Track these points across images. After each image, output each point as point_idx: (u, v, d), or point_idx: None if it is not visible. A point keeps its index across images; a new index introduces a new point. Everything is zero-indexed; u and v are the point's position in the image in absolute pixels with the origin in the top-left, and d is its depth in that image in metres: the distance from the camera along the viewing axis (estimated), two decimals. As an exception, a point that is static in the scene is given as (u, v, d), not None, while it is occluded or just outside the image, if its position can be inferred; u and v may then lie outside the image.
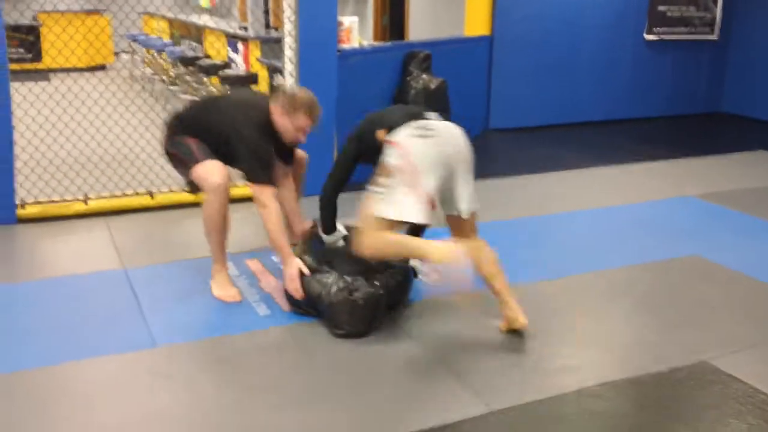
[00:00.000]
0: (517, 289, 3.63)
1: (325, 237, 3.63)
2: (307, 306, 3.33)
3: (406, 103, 5.94)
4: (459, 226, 3.18)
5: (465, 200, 3.11)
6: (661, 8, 8.43)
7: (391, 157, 3.00)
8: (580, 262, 4.12)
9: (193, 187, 3.72)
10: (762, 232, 4.67)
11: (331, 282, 3.23)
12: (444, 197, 3.09)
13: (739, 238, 4.56)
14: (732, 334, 3.30)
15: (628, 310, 3.56)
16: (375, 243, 2.96)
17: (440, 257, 2.80)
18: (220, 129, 3.55)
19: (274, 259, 4.02)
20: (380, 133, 3.14)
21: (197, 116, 3.73)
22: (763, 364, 3.03)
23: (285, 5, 5.07)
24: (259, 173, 3.46)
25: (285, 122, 3.54)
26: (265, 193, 3.42)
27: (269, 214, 3.39)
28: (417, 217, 2.93)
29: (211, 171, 3.48)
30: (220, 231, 3.55)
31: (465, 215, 3.13)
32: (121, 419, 2.59)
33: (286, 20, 5.10)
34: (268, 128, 3.56)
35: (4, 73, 4.38)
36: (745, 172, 6.26)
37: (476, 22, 7.62)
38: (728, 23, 8.77)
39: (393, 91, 6.08)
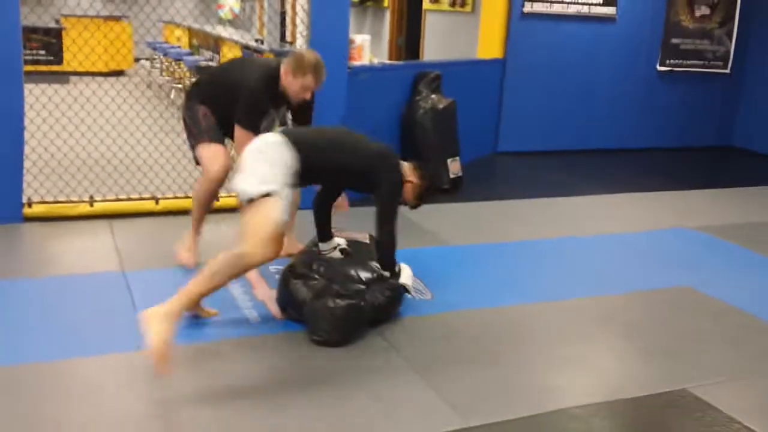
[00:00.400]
0: (506, 311, 3.69)
1: (321, 246, 3.73)
2: (294, 310, 3.40)
3: (415, 123, 6.02)
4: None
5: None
6: (675, 41, 8.49)
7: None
8: (570, 287, 4.15)
9: (198, 162, 4.07)
10: (757, 266, 4.68)
11: (317, 288, 3.29)
12: None
13: (732, 271, 4.57)
14: (716, 364, 3.32)
15: (613, 337, 3.58)
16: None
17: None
18: (232, 86, 3.83)
19: (271, 269, 4.08)
20: None
21: (213, 77, 4.17)
22: (743, 396, 3.06)
23: (298, 20, 5.19)
24: (248, 117, 3.77)
25: (292, 81, 3.77)
26: (245, 138, 3.66)
27: (208, 179, 3.90)
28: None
29: (213, 158, 3.90)
30: (203, 207, 4.07)
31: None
32: (96, 419, 2.64)
33: (298, 35, 5.22)
34: (275, 87, 3.81)
35: (17, 74, 4.46)
36: (748, 207, 6.28)
37: (489, 45, 7.71)
38: (742, 57, 8.80)
39: (401, 109, 6.16)
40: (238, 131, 3.80)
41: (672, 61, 8.51)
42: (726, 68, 8.79)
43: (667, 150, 8.64)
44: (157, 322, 2.81)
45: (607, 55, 8.17)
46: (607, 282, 4.26)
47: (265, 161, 3.22)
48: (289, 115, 4.23)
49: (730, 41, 8.73)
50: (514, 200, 6.01)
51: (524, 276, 4.25)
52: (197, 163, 4.09)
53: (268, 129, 3.92)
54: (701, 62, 8.69)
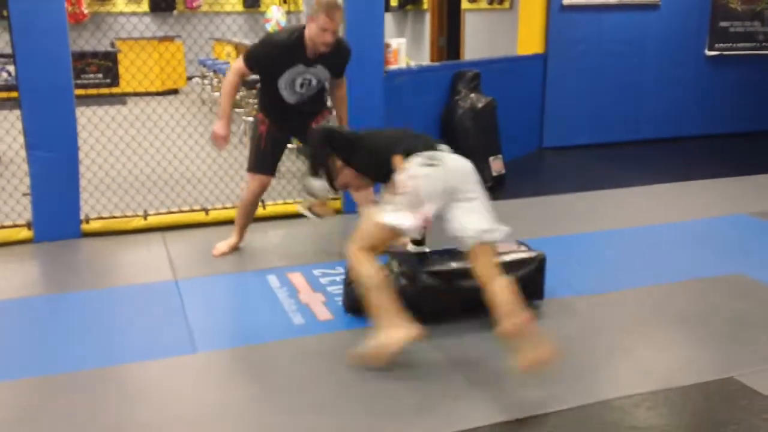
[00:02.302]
0: (559, 303, 3.69)
1: (312, 181, 3.68)
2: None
3: (454, 123, 6.05)
4: (475, 258, 3.13)
5: (468, 233, 3.09)
6: (723, 24, 8.31)
7: (400, 179, 3.18)
8: (622, 278, 4.12)
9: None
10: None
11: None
12: (450, 229, 3.16)
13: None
14: (765, 351, 3.26)
15: (662, 326, 3.55)
16: (357, 256, 3.14)
17: (385, 340, 2.93)
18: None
19: (315, 273, 4.18)
20: (397, 159, 3.26)
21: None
22: (793, 382, 3.00)
23: (334, 29, 5.27)
24: (247, 52, 4.15)
25: (311, 28, 3.97)
26: (231, 71, 4.18)
27: (225, 82, 4.18)
28: (409, 228, 3.13)
29: (250, 179, 4.42)
30: (244, 216, 4.54)
31: (465, 247, 3.14)
32: (154, 420, 2.77)
33: (334, 43, 5.30)
34: (300, 43, 4.04)
35: (69, 98, 4.67)
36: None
37: (529, 41, 7.69)
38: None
39: (440, 111, 6.19)
40: (235, 63, 4.18)
41: (721, 45, 8.33)
42: (776, 52, 8.56)
43: (720, 136, 8.45)
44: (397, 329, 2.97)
45: (653, 43, 8.04)
46: (660, 271, 4.21)
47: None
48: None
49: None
50: (561, 195, 5.98)
51: (574, 269, 4.24)
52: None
53: (303, 86, 4.18)
54: (752, 44, 8.48)
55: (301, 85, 4.17)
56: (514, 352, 2.89)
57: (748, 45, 8.45)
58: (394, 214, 3.11)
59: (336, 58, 4.18)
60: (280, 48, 4.07)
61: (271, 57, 4.09)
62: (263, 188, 4.45)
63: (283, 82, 4.13)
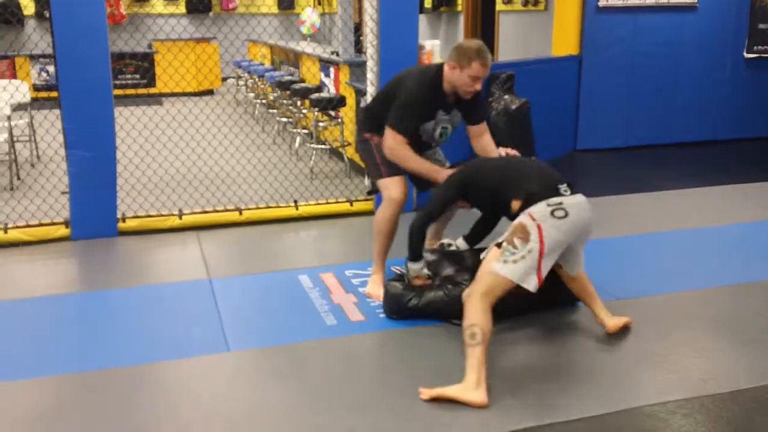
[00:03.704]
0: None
1: (410, 265, 3.58)
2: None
3: (488, 124, 6.01)
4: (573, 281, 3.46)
5: (580, 264, 3.41)
6: (762, 26, 8.16)
7: (523, 226, 3.08)
8: (658, 283, 4.08)
9: (374, 189, 4.12)
10: None
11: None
12: (562, 258, 3.28)
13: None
14: (803, 358, 3.21)
15: (699, 332, 3.51)
16: (477, 303, 3.00)
17: (469, 398, 2.86)
18: (391, 100, 3.76)
19: (347, 273, 4.20)
20: (515, 204, 3.21)
21: (375, 99, 4.14)
22: (832, 390, 2.94)
23: (367, 30, 5.29)
24: (400, 118, 3.68)
25: (459, 75, 3.63)
26: (392, 140, 3.69)
27: (397, 153, 3.71)
28: (532, 287, 3.06)
29: (393, 185, 3.85)
30: (385, 236, 3.92)
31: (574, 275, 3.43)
32: (189, 417, 2.81)
33: (368, 45, 5.32)
34: (438, 89, 3.71)
35: (108, 99, 4.75)
36: None
37: (564, 42, 7.63)
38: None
39: (474, 112, 6.17)
40: (388, 132, 3.70)
41: (760, 47, 8.18)
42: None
43: (759, 139, 8.30)
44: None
45: (690, 45, 7.93)
46: (695, 276, 4.16)
47: None
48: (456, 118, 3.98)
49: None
50: (595, 198, 5.88)
51: (608, 273, 4.19)
52: (372, 192, 4.17)
53: (442, 136, 3.88)
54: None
55: (440, 135, 3.87)
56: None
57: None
58: (519, 270, 3.02)
59: (473, 102, 3.88)
60: (425, 101, 3.72)
61: (420, 114, 3.74)
62: (405, 195, 3.89)
63: (427, 128, 3.82)
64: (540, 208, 3.10)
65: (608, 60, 7.64)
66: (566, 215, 3.10)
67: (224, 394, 2.97)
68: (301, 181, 5.81)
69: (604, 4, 7.50)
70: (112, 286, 4.14)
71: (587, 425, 2.72)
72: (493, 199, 3.42)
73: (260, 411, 2.84)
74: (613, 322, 3.42)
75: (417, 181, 4.12)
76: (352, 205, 5.41)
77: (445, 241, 4.00)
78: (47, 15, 4.56)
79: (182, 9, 15.00)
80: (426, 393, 2.88)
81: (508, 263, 3.04)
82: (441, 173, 3.68)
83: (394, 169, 3.85)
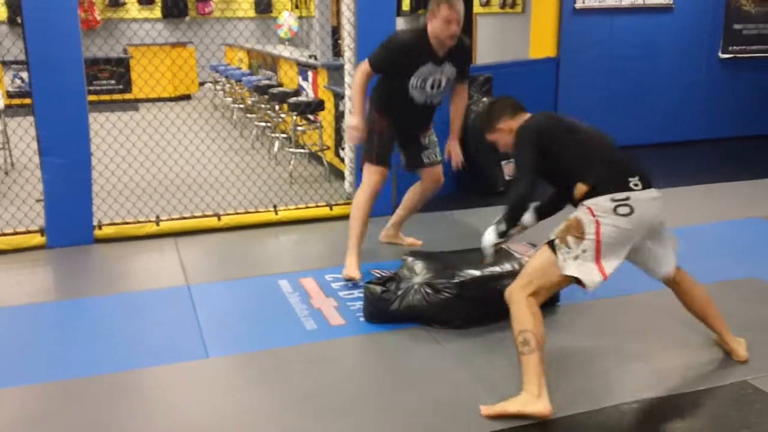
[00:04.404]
0: (574, 306, 3.66)
1: (493, 236, 3.11)
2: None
3: (467, 127, 6.02)
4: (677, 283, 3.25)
5: (663, 265, 3.11)
6: (737, 26, 8.25)
7: (582, 223, 2.84)
8: (637, 281, 4.01)
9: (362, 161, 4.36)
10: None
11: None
12: (642, 262, 3.10)
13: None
14: (779, 355, 3.23)
15: (676, 330, 3.52)
16: (525, 305, 2.81)
17: (533, 410, 2.74)
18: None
19: (327, 278, 4.18)
20: (581, 188, 2.93)
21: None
22: (808, 387, 2.97)
23: (345, 33, 5.28)
24: (373, 53, 4.09)
25: (434, 23, 3.96)
26: (360, 66, 4.15)
27: (355, 79, 4.14)
28: (592, 284, 2.84)
29: (376, 173, 4.21)
30: (358, 220, 4.20)
31: (665, 278, 3.16)
32: (168, 425, 2.78)
33: (346, 48, 5.31)
34: (424, 42, 4.02)
35: (82, 104, 4.69)
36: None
37: (541, 44, 7.66)
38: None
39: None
40: (361, 63, 4.15)
41: (735, 47, 8.27)
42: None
43: (735, 139, 8.39)
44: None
45: (666, 46, 8.00)
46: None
47: None
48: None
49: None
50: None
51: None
52: (361, 164, 4.38)
53: (433, 87, 4.12)
54: (766, 47, 8.41)
55: (432, 86, 4.12)
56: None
57: (762, 47, 8.39)
58: (579, 266, 2.80)
59: (461, 52, 4.17)
60: (407, 47, 4.05)
61: (399, 57, 4.04)
62: (383, 181, 4.27)
63: (415, 81, 4.07)
64: (602, 202, 2.82)
65: (585, 61, 7.68)
66: (631, 212, 2.81)
67: (204, 401, 2.94)
68: (280, 186, 5.78)
69: (581, 6, 7.54)
70: (90, 294, 4.08)
71: (567, 424, 2.73)
72: (561, 171, 3.05)
73: (240, 417, 2.81)
74: (743, 350, 3.20)
75: (408, 157, 4.47)
76: (331, 209, 5.39)
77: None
78: (19, 21, 4.50)
79: (157, 13, 14.89)
80: (487, 410, 2.76)
81: (565, 262, 2.82)
82: (354, 118, 4.09)
83: (382, 160, 4.21)
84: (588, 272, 2.81)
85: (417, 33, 4.08)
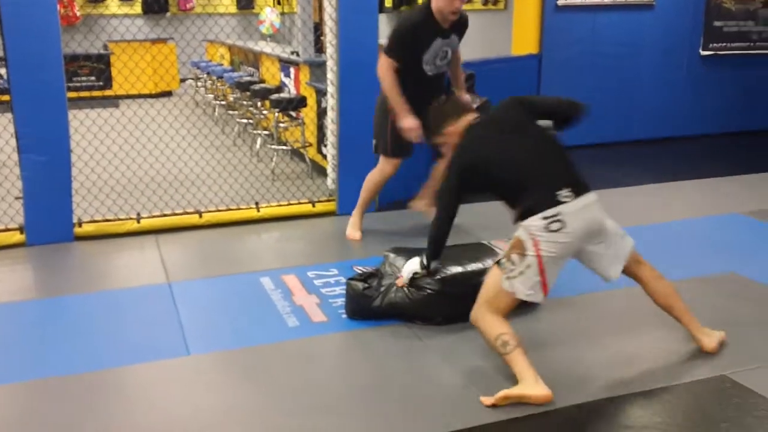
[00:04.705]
0: (554, 301, 3.68)
1: (414, 266, 3.48)
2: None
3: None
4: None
5: (611, 268, 3.15)
6: (717, 24, 8.31)
7: (522, 241, 2.95)
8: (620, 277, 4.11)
9: (375, 150, 4.75)
10: (806, 249, 4.57)
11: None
12: (587, 264, 3.17)
13: (781, 255, 4.48)
14: (756, 349, 3.26)
15: (654, 325, 3.54)
16: (490, 319, 2.97)
17: (534, 392, 2.81)
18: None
19: (309, 275, 4.17)
20: (518, 209, 3.05)
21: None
22: (786, 380, 3.00)
23: (327, 30, 5.27)
24: (387, 45, 4.37)
25: (440, 1, 4.25)
26: (382, 62, 4.39)
27: (383, 79, 4.39)
28: (539, 299, 3.00)
29: (391, 164, 4.66)
30: (370, 192, 4.81)
31: (614, 279, 3.18)
32: (149, 423, 2.76)
33: (328, 44, 5.30)
34: (430, 19, 4.32)
35: (61, 100, 4.65)
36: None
37: (524, 41, 7.68)
38: (788, 38, 8.57)
39: (435, 111, 6.17)
40: (380, 58, 4.40)
41: (715, 44, 8.33)
42: (776, 50, 8.56)
43: (716, 136, 8.45)
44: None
45: (647, 43, 8.04)
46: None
47: None
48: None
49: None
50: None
51: (568, 268, 4.22)
52: (375, 150, 4.74)
53: (444, 59, 4.47)
54: (747, 44, 8.48)
55: (441, 58, 4.47)
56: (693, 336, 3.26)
57: (742, 45, 8.46)
58: (520, 285, 2.92)
59: (462, 24, 4.49)
60: (417, 27, 4.32)
61: (413, 38, 4.32)
62: (395, 172, 4.70)
63: (427, 57, 4.39)
64: (535, 221, 2.93)
65: (567, 58, 7.71)
66: (563, 226, 2.91)
67: (185, 399, 2.93)
68: (262, 183, 5.75)
69: (563, 3, 7.57)
70: (70, 292, 4.05)
71: (547, 419, 2.74)
72: (497, 194, 3.15)
73: (222, 415, 2.80)
74: (709, 340, 3.25)
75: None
76: (314, 206, 5.38)
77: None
78: (-3, 16, 4.46)
79: (138, 9, 14.78)
80: (487, 400, 2.81)
81: (510, 279, 2.94)
82: (406, 117, 4.32)
83: (398, 152, 4.60)
84: (533, 287, 2.93)
85: (422, 11, 4.33)
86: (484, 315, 2.97)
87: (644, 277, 3.26)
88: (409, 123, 4.35)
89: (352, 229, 4.82)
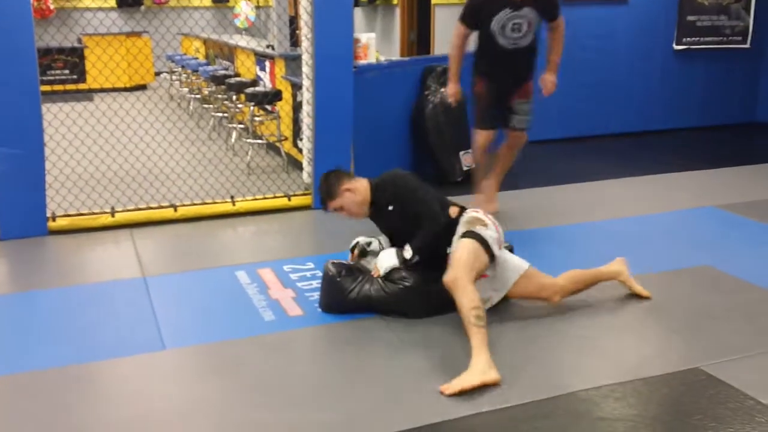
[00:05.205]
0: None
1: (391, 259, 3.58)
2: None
3: (425, 118, 6.05)
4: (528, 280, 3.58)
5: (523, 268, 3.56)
6: (690, 18, 8.39)
7: (478, 216, 3.47)
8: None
9: None
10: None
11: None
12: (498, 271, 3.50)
13: (754, 248, 4.52)
14: (730, 342, 3.30)
15: (630, 318, 3.58)
16: (468, 285, 3.14)
17: (490, 379, 2.89)
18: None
19: (285, 269, 4.16)
20: (454, 210, 3.57)
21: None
22: (758, 371, 3.03)
23: (302, 23, 5.25)
24: (461, 13, 4.77)
25: None
26: (454, 29, 4.83)
27: (452, 40, 4.86)
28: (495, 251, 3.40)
29: (476, 135, 5.01)
30: (482, 164, 5.09)
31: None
32: (125, 417, 2.74)
33: (303, 38, 5.27)
34: None
35: (35, 94, 4.59)
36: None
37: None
38: (762, 31, 8.67)
39: (411, 106, 6.18)
40: (455, 29, 4.80)
41: (688, 39, 8.41)
42: (746, 43, 8.66)
43: (689, 129, 8.55)
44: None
45: (621, 38, 8.11)
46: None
47: None
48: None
49: (749, 15, 8.60)
50: (531, 189, 6.01)
51: (543, 261, 4.25)
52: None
53: (515, 30, 4.66)
54: (719, 38, 8.57)
55: (512, 29, 4.63)
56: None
57: (716, 39, 8.55)
58: (490, 237, 3.36)
59: (543, 2, 4.69)
60: (483, 4, 4.62)
61: (479, 7, 4.64)
62: (488, 141, 4.95)
63: (495, 27, 4.62)
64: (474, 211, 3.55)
65: (542, 53, 7.70)
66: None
67: (161, 393, 2.91)
68: (237, 177, 5.73)
69: (537, -2, 7.58)
70: (44, 286, 4.01)
71: (522, 411, 2.75)
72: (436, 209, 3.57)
73: (198, 409, 2.79)
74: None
75: (497, 116, 5.04)
76: (290, 200, 5.37)
77: (362, 239, 3.84)
78: (-33, 8, 4.38)
79: (112, 2, 14.61)
80: (448, 389, 2.84)
81: (483, 233, 3.36)
82: (450, 83, 4.95)
83: (480, 122, 4.94)
84: (496, 242, 3.41)
85: None
86: (466, 284, 3.12)
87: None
88: (450, 89, 4.93)
89: (487, 201, 5.06)
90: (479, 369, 2.90)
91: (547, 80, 4.97)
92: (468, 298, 3.07)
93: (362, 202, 3.59)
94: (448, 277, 3.18)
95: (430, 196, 3.58)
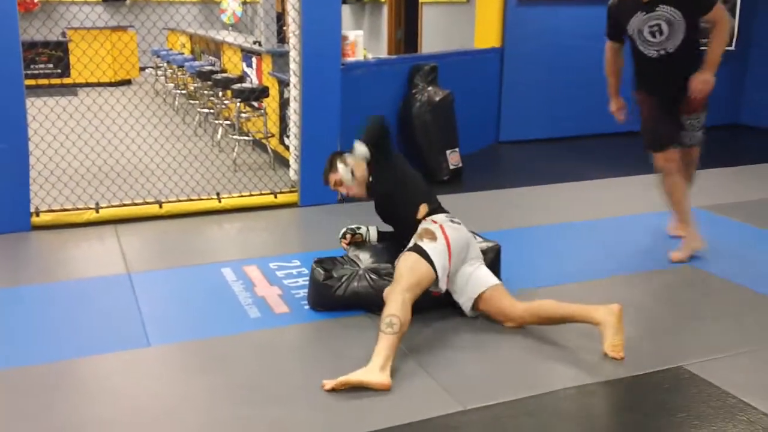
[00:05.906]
0: (514, 294, 3.70)
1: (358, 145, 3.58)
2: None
3: (412, 116, 6.05)
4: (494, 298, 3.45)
5: (490, 283, 3.46)
6: (676, 19, 8.43)
7: (430, 229, 3.39)
8: (576, 270, 4.16)
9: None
10: (761, 243, 4.67)
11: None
12: (460, 285, 3.45)
13: (737, 248, 4.56)
14: (712, 340, 3.33)
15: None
16: (399, 298, 3.10)
17: (374, 380, 2.87)
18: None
19: (271, 266, 4.15)
20: (423, 207, 3.53)
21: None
22: (740, 370, 3.06)
23: (290, 20, 5.24)
24: (607, 28, 4.42)
25: None
26: (607, 49, 4.54)
27: (605, 56, 4.60)
28: (442, 285, 3.33)
29: (655, 158, 4.37)
30: (677, 200, 4.40)
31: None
32: (110, 414, 2.72)
33: (291, 35, 5.26)
34: None
35: (19, 88, 4.56)
36: (756, 184, 6.23)
37: (486, 35, 7.72)
38: (747, 33, 8.73)
39: (398, 104, 6.19)
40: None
41: (674, 40, 8.45)
42: (730, 45, 8.72)
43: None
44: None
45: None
46: (612, 263, 4.27)
47: None
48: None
49: (734, 17, 8.66)
50: (517, 188, 6.03)
51: (529, 261, 4.27)
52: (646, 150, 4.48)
53: (655, 35, 4.08)
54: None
55: (652, 33, 4.07)
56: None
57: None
58: (438, 261, 3.27)
59: None
60: (616, 4, 4.23)
61: (614, 16, 4.25)
62: (673, 161, 4.30)
63: (634, 35, 4.16)
64: (439, 216, 3.49)
65: (530, 52, 7.76)
66: (460, 224, 3.51)
67: (145, 390, 2.89)
68: (223, 173, 5.71)
69: (525, -3, 7.62)
70: (27, 282, 3.98)
71: (507, 409, 2.76)
72: (402, 190, 3.59)
73: (183, 406, 2.78)
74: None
75: (666, 133, 4.40)
76: (276, 197, 5.36)
77: (350, 226, 3.89)
78: (-49, 1, 4.35)
79: (97, -4, 14.53)
80: (329, 384, 2.86)
81: (430, 249, 3.29)
82: (611, 99, 4.60)
83: (649, 141, 4.39)
84: (443, 269, 3.29)
85: None
86: (396, 297, 3.09)
87: (492, 302, 3.45)
88: (611, 106, 4.54)
89: (693, 241, 4.32)
90: (369, 368, 2.90)
91: (694, 78, 4.10)
92: (389, 309, 3.06)
93: (360, 178, 3.59)
94: (385, 292, 3.27)
95: (409, 175, 3.64)
